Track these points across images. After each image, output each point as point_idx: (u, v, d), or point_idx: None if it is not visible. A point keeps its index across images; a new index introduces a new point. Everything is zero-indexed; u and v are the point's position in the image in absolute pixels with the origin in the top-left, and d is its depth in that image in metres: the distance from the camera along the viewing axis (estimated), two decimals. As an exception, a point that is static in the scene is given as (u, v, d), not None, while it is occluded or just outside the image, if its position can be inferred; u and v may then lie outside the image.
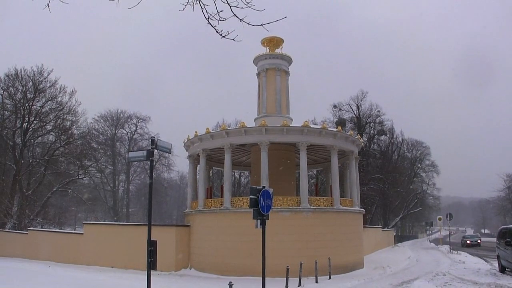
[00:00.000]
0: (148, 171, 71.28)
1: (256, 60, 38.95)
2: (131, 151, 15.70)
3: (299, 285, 23.47)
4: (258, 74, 39.16)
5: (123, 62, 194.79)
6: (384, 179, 73.59)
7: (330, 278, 27.74)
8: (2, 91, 56.92)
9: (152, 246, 12.24)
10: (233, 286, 14.00)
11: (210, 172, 43.89)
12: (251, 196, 16.43)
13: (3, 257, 43.81)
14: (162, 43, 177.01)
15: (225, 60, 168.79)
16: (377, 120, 76.98)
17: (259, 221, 16.53)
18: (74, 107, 58.79)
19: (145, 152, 12.56)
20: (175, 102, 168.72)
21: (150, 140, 12.10)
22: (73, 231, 54.37)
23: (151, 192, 12.90)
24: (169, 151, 13.07)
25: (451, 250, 52.11)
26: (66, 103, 58.13)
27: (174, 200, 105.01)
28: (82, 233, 40.17)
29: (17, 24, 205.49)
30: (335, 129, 34.98)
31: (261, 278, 17.52)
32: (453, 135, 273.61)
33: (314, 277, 26.14)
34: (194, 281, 28.53)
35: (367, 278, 28.31)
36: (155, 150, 12.30)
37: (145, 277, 25.60)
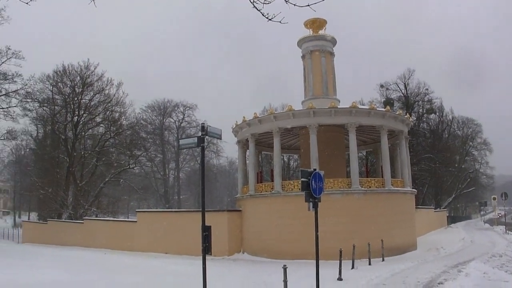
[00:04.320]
0: (197, 158, 72.20)
1: (300, 43, 38.65)
2: (182, 139, 15.71)
3: (352, 267, 23.34)
4: (303, 57, 38.88)
5: (163, 50, 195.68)
6: (435, 159, 72.22)
7: (383, 260, 27.48)
8: (51, 87, 58.42)
9: (206, 231, 12.30)
10: (287, 269, 14.01)
11: (259, 156, 43.90)
12: (302, 179, 16.37)
13: (61, 246, 44.97)
14: (202, 28, 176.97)
15: (268, 44, 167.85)
16: (426, 99, 75.55)
17: (311, 204, 16.47)
18: (121, 99, 59.90)
19: (195, 139, 12.59)
20: (219, 88, 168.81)
21: (201, 127, 12.12)
22: (127, 219, 55.19)
23: (204, 178, 12.96)
24: (219, 136, 13.08)
25: (507, 231, 50.82)
26: (114, 95, 59.33)
27: (224, 186, 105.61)
28: (135, 221, 40.82)
29: (60, 19, 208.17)
30: (383, 109, 34.61)
31: (314, 261, 17.50)
32: (507, 110, 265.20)
33: (367, 260, 25.91)
34: (247, 265, 28.68)
35: (421, 259, 27.92)
36: (205, 136, 12.31)
37: (199, 262, 25.89)
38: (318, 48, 37.64)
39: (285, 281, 13.68)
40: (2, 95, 46.66)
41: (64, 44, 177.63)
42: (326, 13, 33.86)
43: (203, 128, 12.16)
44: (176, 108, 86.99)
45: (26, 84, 49.37)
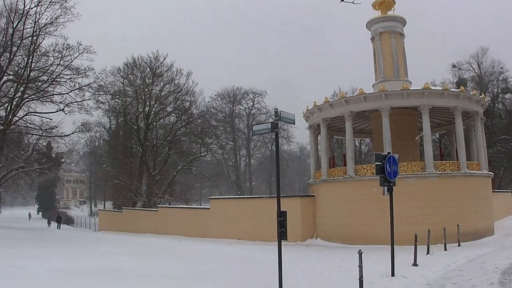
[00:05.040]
0: (268, 145, 72.26)
1: (369, 25, 37.95)
2: (255, 124, 15.72)
3: (428, 253, 22.82)
4: (372, 39, 38.18)
5: (226, 37, 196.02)
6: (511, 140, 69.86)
7: (459, 245, 26.64)
8: (122, 80, 59.82)
9: (281, 217, 12.21)
10: (362, 254, 13.81)
11: (331, 141, 43.58)
12: (377, 163, 16.11)
13: (136, 234, 45.93)
14: (264, 14, 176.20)
15: (334, 27, 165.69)
16: (501, 78, 72.75)
17: (385, 188, 16.20)
18: (191, 88, 60.80)
19: (269, 125, 12.49)
20: (285, 73, 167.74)
21: (274, 112, 12.01)
22: (200, 207, 55.82)
23: (278, 163, 12.86)
24: (292, 121, 12.94)
25: None
26: (184, 85, 60.28)
27: (296, 172, 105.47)
28: (208, 208, 41.21)
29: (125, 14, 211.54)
30: (457, 90, 33.64)
31: (387, 246, 17.24)
32: None
33: (443, 245, 25.18)
34: (321, 251, 28.53)
35: (498, 245, 26.92)
36: (279, 122, 12.19)
37: (272, 248, 25.91)
38: (387, 29, 36.87)
39: (361, 266, 13.46)
40: (76, 89, 47.83)
41: (131, 37, 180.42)
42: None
43: (276, 113, 12.04)
44: (245, 95, 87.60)
45: (98, 78, 50.71)
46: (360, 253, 13.53)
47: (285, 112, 12.39)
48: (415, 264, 18.65)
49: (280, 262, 11.89)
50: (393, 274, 16.07)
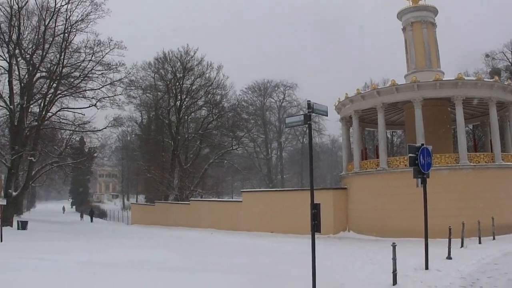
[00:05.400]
0: (299, 137, 72.24)
1: (400, 15, 37.46)
2: (288, 117, 15.68)
3: (462, 246, 22.52)
4: (404, 29, 37.68)
5: (257, 30, 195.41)
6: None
7: (494, 238, 26.13)
8: (153, 74, 60.39)
9: (315, 209, 12.10)
10: (395, 247, 13.67)
11: (363, 133, 43.31)
12: (410, 155, 15.92)
13: (168, 227, 46.32)
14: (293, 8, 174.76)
15: (364, 18, 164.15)
16: (537, 66, 71.67)
17: (419, 180, 16.01)
18: (222, 81, 60.89)
19: (302, 117, 12.35)
20: (316, 66, 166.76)
21: (306, 104, 11.89)
22: (232, 200, 55.95)
23: (312, 155, 12.74)
24: (325, 113, 12.79)
25: None
26: (214, 78, 60.52)
27: (327, 164, 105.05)
28: (240, 201, 41.27)
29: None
30: (491, 80, 33.12)
31: (420, 239, 17.03)
32: None
33: (477, 238, 24.76)
34: (353, 243, 28.41)
35: (535, 239, 26.51)
36: (312, 114, 12.07)
37: (304, 241, 25.83)
38: (418, 19, 36.34)
39: (394, 259, 13.33)
40: (107, 84, 48.29)
41: (162, 31, 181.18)
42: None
43: (309, 105, 11.90)
44: (276, 88, 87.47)
45: (130, 73, 51.29)
46: (393, 246, 13.40)
47: (318, 104, 12.24)
48: (449, 258, 18.42)
49: (314, 254, 11.79)
50: (427, 267, 15.89)
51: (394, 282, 13.36)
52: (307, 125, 12.33)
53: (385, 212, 30.85)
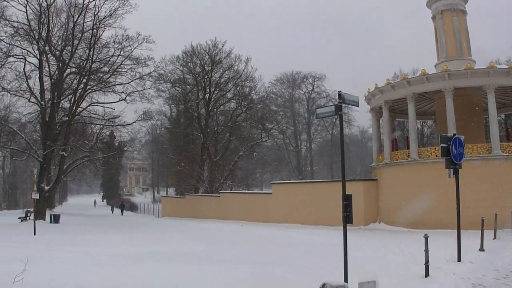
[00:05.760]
0: (329, 129, 72.03)
1: (430, 3, 36.90)
2: (319, 107, 15.54)
3: (494, 237, 22.18)
4: (433, 17, 37.15)
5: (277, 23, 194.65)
6: None
7: (527, 230, 25.86)
8: (182, 68, 60.77)
9: (347, 200, 12.01)
10: (427, 239, 13.51)
11: (393, 124, 42.97)
12: (442, 145, 15.71)
13: (199, 219, 46.56)
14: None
15: (390, 7, 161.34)
16: None
17: (451, 170, 15.80)
18: (250, 74, 61.02)
19: (333, 107, 12.22)
20: (340, 56, 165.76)
21: (337, 94, 11.77)
22: (262, 191, 56.00)
23: (343, 146, 12.66)
24: (356, 104, 12.66)
25: None
26: (243, 71, 60.54)
27: (356, 155, 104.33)
28: (270, 193, 41.29)
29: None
30: (524, 68, 32.51)
31: (453, 231, 16.83)
32: None
33: (510, 230, 24.28)
34: (384, 235, 28.19)
35: None
36: (343, 104, 11.96)
37: (335, 232, 25.84)
38: (448, 7, 35.77)
39: (426, 251, 13.18)
40: (136, 79, 48.89)
41: (188, 24, 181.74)
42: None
43: (340, 95, 11.78)
44: (305, 80, 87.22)
45: (158, 67, 51.86)
46: (426, 238, 13.25)
47: (349, 95, 12.11)
48: (481, 249, 18.16)
49: (346, 245, 11.71)
50: (459, 259, 15.70)
51: (427, 274, 13.23)
52: (337, 116, 12.23)
53: (416, 203, 30.46)
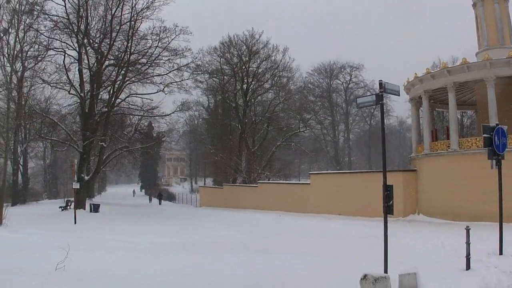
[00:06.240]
0: (367, 119, 71.55)
1: (470, -10, 36.38)
2: (360, 97, 15.36)
3: (538, 231, 21.79)
4: (474, 5, 36.40)
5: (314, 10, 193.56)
6: None
7: None
8: (219, 58, 60.89)
9: (388, 191, 11.90)
10: (469, 231, 13.29)
11: (433, 114, 42.40)
12: (484, 135, 15.42)
13: (236, 209, 46.74)
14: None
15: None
16: None
17: (494, 161, 15.51)
18: (288, 64, 60.84)
19: (373, 97, 12.09)
20: (381, 46, 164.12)
21: (378, 84, 11.66)
22: (300, 182, 55.97)
23: (384, 136, 12.53)
24: (397, 93, 12.51)
25: None
26: (280, 61, 60.26)
27: (395, 146, 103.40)
28: (308, 183, 41.18)
29: None
30: None
31: (494, 223, 16.55)
32: None
33: (555, 222, 24.01)
34: (424, 227, 27.84)
35: None
36: (383, 94, 11.82)
37: (374, 223, 25.70)
38: (490, -6, 35.21)
39: (468, 243, 12.98)
40: (174, 70, 49.21)
41: (223, 15, 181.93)
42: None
43: (381, 85, 11.65)
44: (342, 70, 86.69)
45: (196, 58, 52.00)
46: (467, 230, 13.07)
47: (390, 84, 11.96)
48: (524, 243, 17.84)
49: (386, 236, 11.62)
50: (501, 253, 15.40)
51: (468, 266, 13.04)
52: (376, 106, 12.11)
53: (456, 195, 30.06)
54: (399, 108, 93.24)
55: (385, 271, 10.79)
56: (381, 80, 11.85)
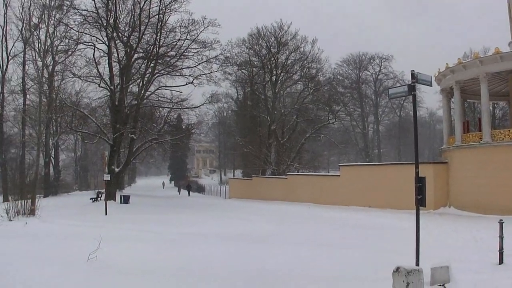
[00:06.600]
0: (397, 110, 71.07)
1: (502, -21, 35.82)
2: (391, 88, 15.26)
3: None
4: (507, -5, 36.02)
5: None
6: None
7: None
8: (248, 50, 61.13)
9: (420, 183, 11.79)
10: (502, 225, 13.10)
11: (465, 105, 41.92)
12: (517, 127, 15.27)
13: (266, 201, 46.84)
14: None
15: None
16: None
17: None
18: (317, 55, 60.67)
19: (405, 87, 11.99)
20: (406, 36, 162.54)
21: (410, 74, 11.54)
22: (330, 174, 55.86)
23: (416, 127, 12.42)
24: (429, 83, 12.37)
25: None
26: (309, 52, 60.29)
27: (425, 138, 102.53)
28: (338, 175, 41.01)
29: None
30: None
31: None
32: None
33: None
34: (455, 220, 27.56)
35: None
36: (416, 84, 11.70)
37: (404, 215, 25.56)
38: (523, -17, 34.63)
39: (501, 237, 12.82)
40: (203, 62, 49.18)
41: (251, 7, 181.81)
42: None
43: (413, 75, 11.53)
44: (372, 61, 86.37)
45: (225, 50, 52.04)
46: (501, 223, 12.90)
47: (422, 74, 11.82)
48: (559, 237, 17.55)
49: (418, 229, 11.50)
50: (535, 246, 15.22)
51: (500, 261, 12.90)
52: (407, 97, 12.00)
53: (488, 188, 29.65)
54: (429, 100, 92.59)
55: (417, 264, 10.70)
56: (413, 70, 11.72)
